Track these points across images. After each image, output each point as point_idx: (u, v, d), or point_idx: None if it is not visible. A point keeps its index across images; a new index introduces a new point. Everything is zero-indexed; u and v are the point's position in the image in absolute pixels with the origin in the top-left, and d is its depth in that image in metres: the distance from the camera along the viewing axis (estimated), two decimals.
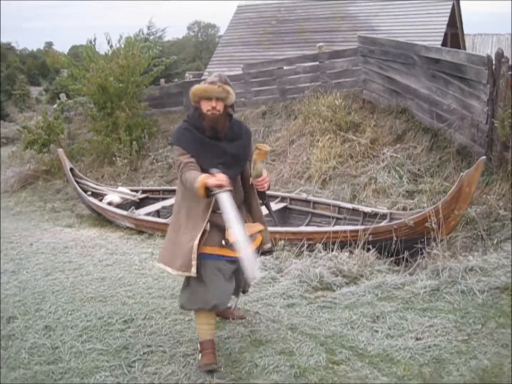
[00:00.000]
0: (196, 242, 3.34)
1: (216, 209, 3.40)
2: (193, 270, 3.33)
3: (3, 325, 4.27)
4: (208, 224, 3.41)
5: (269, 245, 3.82)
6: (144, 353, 3.62)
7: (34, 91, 35.59)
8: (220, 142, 3.47)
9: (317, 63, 10.43)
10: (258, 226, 3.71)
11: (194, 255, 3.32)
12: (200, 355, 3.48)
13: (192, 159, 3.40)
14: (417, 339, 3.60)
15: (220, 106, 3.42)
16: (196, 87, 3.45)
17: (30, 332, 4.08)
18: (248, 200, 3.72)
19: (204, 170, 3.37)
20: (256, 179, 3.49)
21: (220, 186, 3.16)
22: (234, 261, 3.39)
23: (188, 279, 3.48)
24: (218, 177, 3.20)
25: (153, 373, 3.36)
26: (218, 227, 3.46)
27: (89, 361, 3.56)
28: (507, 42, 22.10)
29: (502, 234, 5.59)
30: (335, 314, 4.15)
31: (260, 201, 3.73)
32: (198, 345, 3.55)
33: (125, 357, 3.59)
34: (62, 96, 13.93)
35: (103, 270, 5.63)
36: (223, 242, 3.41)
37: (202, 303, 3.40)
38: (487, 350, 3.35)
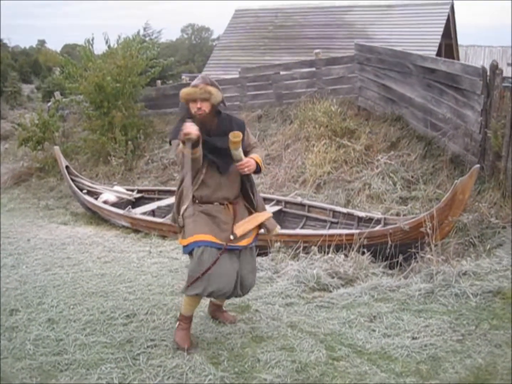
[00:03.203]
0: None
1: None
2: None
3: (6, 317, 4.31)
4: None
5: (278, 228, 3.96)
6: (148, 347, 3.69)
7: (26, 88, 35.46)
8: (210, 137, 3.62)
9: (313, 69, 10.58)
10: (266, 214, 3.89)
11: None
12: (177, 323, 3.76)
13: None
14: (413, 338, 3.72)
15: (205, 106, 3.60)
16: (182, 91, 3.67)
17: (34, 324, 4.13)
18: (247, 192, 3.84)
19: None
20: (236, 164, 3.65)
21: (187, 134, 3.25)
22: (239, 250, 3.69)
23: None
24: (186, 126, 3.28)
25: (157, 365, 3.42)
26: (223, 222, 3.68)
27: (94, 353, 3.62)
28: (499, 54, 22.49)
29: (494, 241, 5.72)
30: (333, 314, 4.26)
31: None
32: (178, 314, 3.83)
33: (130, 350, 3.65)
34: (57, 94, 13.96)
35: (102, 267, 5.69)
36: (231, 237, 3.61)
37: (201, 290, 3.54)
38: (481, 350, 3.47)
